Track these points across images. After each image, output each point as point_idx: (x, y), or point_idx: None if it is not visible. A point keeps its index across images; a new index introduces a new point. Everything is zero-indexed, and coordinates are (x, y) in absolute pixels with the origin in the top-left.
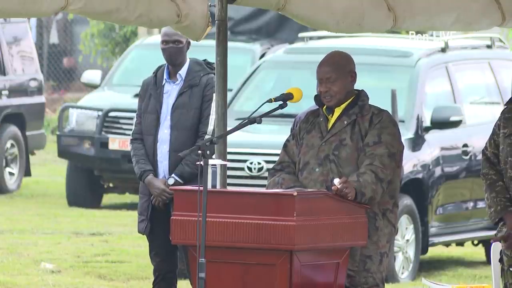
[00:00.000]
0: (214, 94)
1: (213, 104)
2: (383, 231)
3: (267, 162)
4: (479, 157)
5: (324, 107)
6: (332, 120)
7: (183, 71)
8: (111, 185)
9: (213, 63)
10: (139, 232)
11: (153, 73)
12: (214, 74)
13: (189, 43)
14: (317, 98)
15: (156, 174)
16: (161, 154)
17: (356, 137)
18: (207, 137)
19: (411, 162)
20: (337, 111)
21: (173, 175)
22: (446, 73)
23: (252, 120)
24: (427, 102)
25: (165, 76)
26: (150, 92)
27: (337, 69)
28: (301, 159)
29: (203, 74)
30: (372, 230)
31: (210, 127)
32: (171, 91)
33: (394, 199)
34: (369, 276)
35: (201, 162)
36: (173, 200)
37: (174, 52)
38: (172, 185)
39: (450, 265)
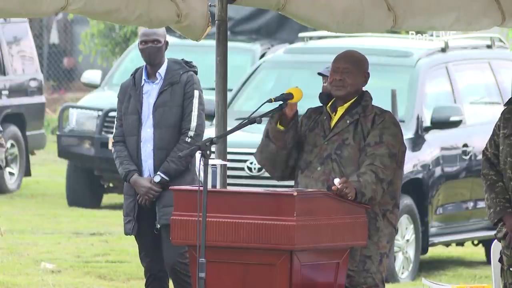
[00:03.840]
0: (195, 91)
1: (195, 101)
2: (384, 231)
3: None
4: (479, 157)
5: (328, 105)
6: (335, 119)
7: (162, 70)
8: (111, 185)
9: (191, 62)
10: (125, 233)
11: (131, 75)
12: (194, 72)
13: (167, 42)
14: (321, 96)
15: (141, 174)
16: (145, 153)
17: (359, 137)
18: (191, 133)
19: (411, 162)
20: (340, 110)
21: (158, 172)
22: (446, 73)
23: (252, 120)
24: (427, 102)
25: (143, 77)
26: (130, 93)
27: (355, 64)
28: (304, 157)
29: (183, 72)
30: (372, 230)
31: (193, 123)
32: (151, 91)
33: (395, 200)
34: (369, 276)
35: (201, 162)
36: (159, 198)
37: (153, 52)
38: (158, 182)
39: (450, 265)
